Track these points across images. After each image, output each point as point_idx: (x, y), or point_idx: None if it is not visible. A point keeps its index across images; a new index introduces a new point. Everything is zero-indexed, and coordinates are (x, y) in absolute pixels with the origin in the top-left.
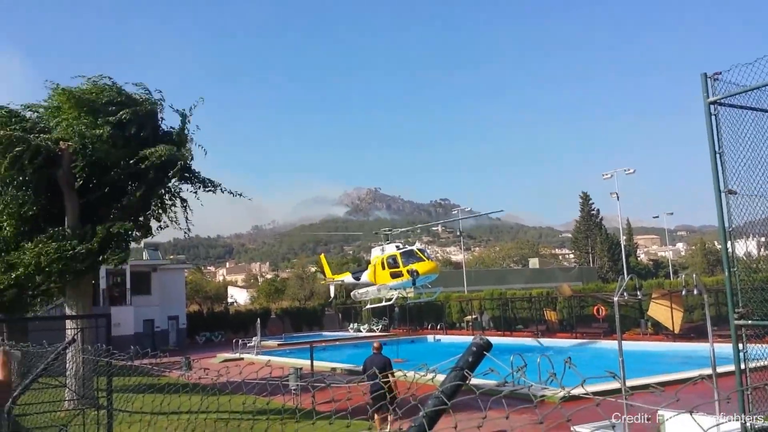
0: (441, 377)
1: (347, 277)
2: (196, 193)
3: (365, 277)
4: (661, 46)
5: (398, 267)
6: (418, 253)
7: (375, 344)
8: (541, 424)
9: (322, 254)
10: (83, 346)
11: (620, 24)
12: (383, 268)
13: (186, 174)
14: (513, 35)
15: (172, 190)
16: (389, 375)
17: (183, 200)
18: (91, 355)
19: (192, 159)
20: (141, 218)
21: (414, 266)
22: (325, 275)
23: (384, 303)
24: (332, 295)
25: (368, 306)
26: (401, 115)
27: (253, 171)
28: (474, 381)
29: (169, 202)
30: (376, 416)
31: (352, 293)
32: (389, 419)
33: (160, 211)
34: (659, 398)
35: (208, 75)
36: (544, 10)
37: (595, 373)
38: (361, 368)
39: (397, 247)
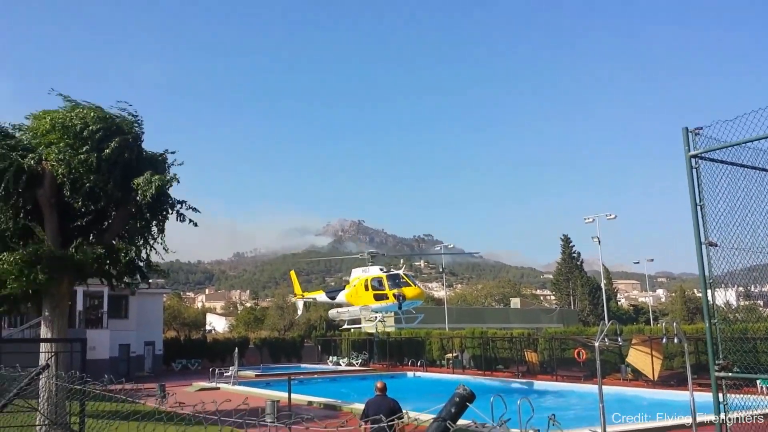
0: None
1: (320, 296)
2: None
3: (342, 296)
4: (648, 96)
5: (383, 290)
6: (405, 277)
7: (378, 384)
8: None
9: (292, 270)
10: (57, 372)
11: (608, 69)
12: (366, 289)
13: (176, 203)
14: (504, 67)
15: (161, 218)
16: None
17: (191, 220)
18: (65, 382)
19: (177, 183)
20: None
21: (402, 290)
22: (294, 292)
23: (363, 324)
24: (299, 312)
25: (345, 326)
26: (387, 149)
27: (235, 198)
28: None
29: (154, 230)
30: None
31: (329, 312)
32: None
33: (148, 238)
34: None
35: (186, 93)
36: (532, 42)
37: (574, 420)
38: (362, 412)
39: (382, 269)
